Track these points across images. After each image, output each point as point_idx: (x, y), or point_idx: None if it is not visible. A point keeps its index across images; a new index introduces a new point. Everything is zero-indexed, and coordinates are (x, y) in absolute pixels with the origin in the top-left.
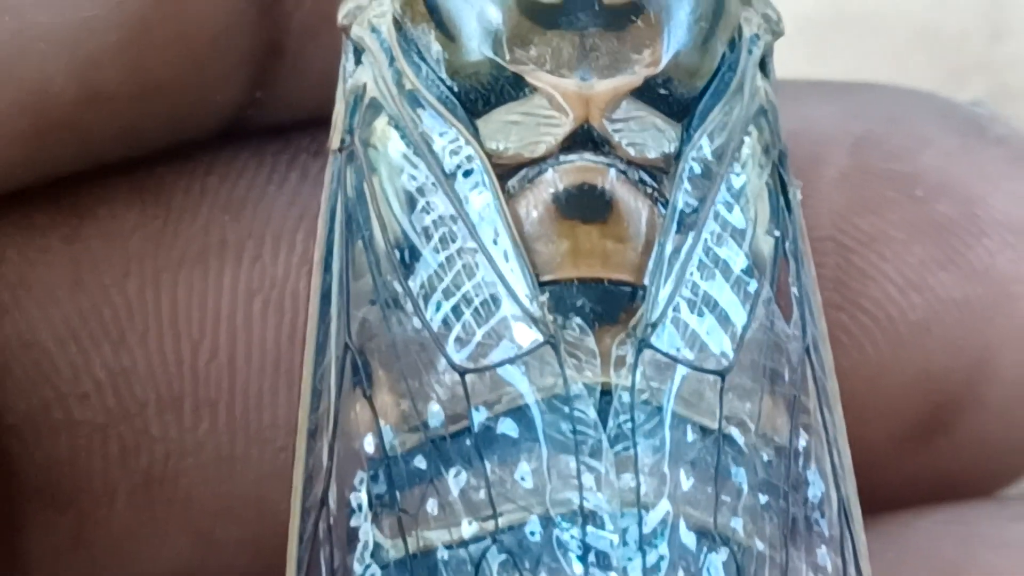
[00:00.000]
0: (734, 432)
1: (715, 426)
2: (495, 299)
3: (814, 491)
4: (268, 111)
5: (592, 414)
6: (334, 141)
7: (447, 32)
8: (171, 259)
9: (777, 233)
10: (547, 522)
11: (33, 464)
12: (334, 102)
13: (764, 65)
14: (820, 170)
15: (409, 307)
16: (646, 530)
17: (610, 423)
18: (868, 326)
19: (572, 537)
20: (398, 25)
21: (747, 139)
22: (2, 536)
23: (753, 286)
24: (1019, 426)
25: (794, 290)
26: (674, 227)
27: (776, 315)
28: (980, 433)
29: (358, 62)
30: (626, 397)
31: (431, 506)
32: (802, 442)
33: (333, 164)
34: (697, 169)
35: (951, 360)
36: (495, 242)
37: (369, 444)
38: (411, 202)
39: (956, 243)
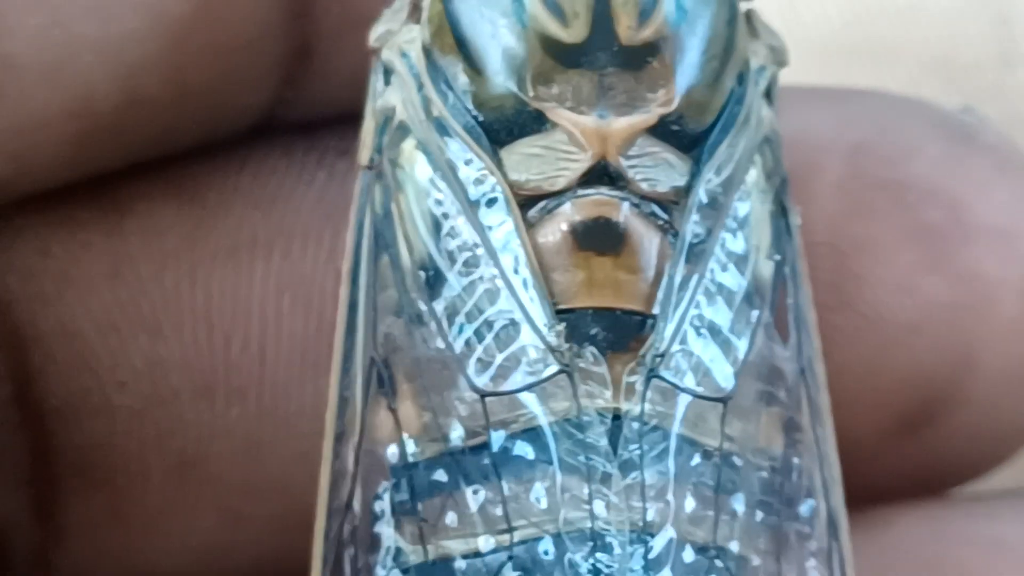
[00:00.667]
0: (734, 454)
1: (716, 448)
2: (515, 325)
3: (805, 506)
4: (297, 110)
5: (604, 443)
6: (363, 157)
7: (474, 65)
8: (205, 254)
9: (778, 257)
10: (559, 542)
11: (73, 445)
12: (360, 101)
13: (769, 93)
14: (818, 177)
15: (433, 326)
16: (651, 555)
17: (620, 450)
18: (861, 327)
19: (582, 559)
20: (427, 52)
21: (752, 169)
22: (43, 510)
23: (754, 313)
24: (1000, 420)
25: (791, 312)
26: (683, 258)
27: (775, 339)
28: (964, 426)
29: (387, 82)
30: (635, 425)
31: (450, 517)
32: (795, 459)
33: (362, 179)
34: (705, 201)
35: (938, 359)
36: (516, 271)
37: (392, 453)
38: (437, 226)
39: (944, 248)
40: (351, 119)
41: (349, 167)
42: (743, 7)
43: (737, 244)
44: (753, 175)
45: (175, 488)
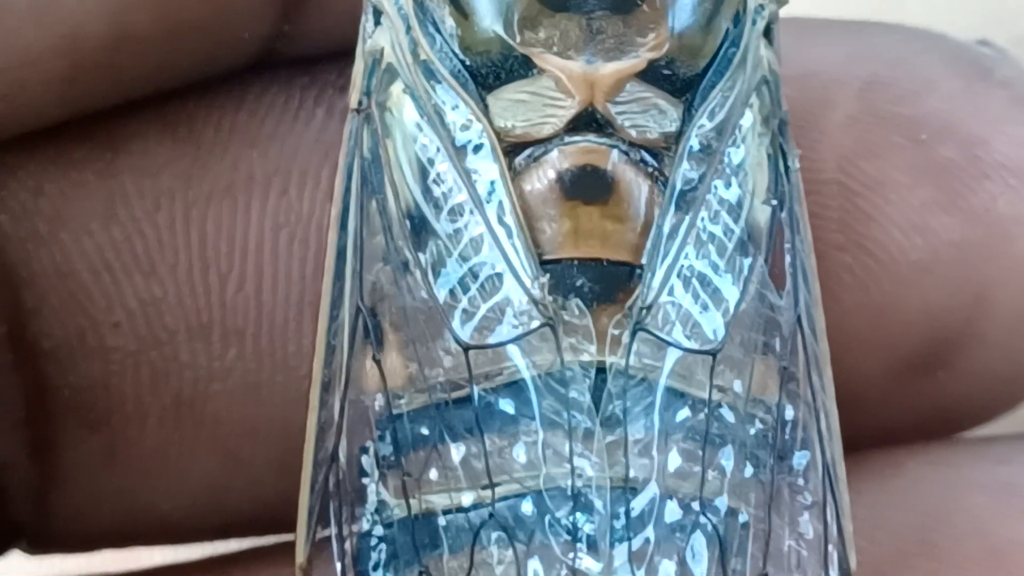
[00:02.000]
0: (723, 406)
1: (705, 400)
2: (499, 277)
3: (799, 459)
4: (296, 44)
5: (586, 398)
6: (352, 99)
7: (461, 8)
8: (200, 193)
9: (774, 202)
10: (540, 500)
11: (68, 386)
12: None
13: (768, 32)
14: (828, 114)
15: (418, 275)
16: (633, 514)
17: (603, 406)
18: (871, 267)
19: (562, 517)
20: None
21: (748, 111)
22: (40, 451)
23: (747, 261)
24: (1015, 360)
25: (788, 258)
26: (672, 207)
27: (769, 287)
28: (978, 367)
29: (377, 23)
30: (620, 380)
31: (433, 471)
32: (789, 412)
33: (351, 122)
34: (697, 146)
35: (951, 299)
36: (500, 219)
37: (378, 404)
38: (423, 172)
39: (958, 186)
40: (351, 53)
41: (347, 103)
42: None
43: (730, 190)
44: (749, 118)
45: (172, 429)
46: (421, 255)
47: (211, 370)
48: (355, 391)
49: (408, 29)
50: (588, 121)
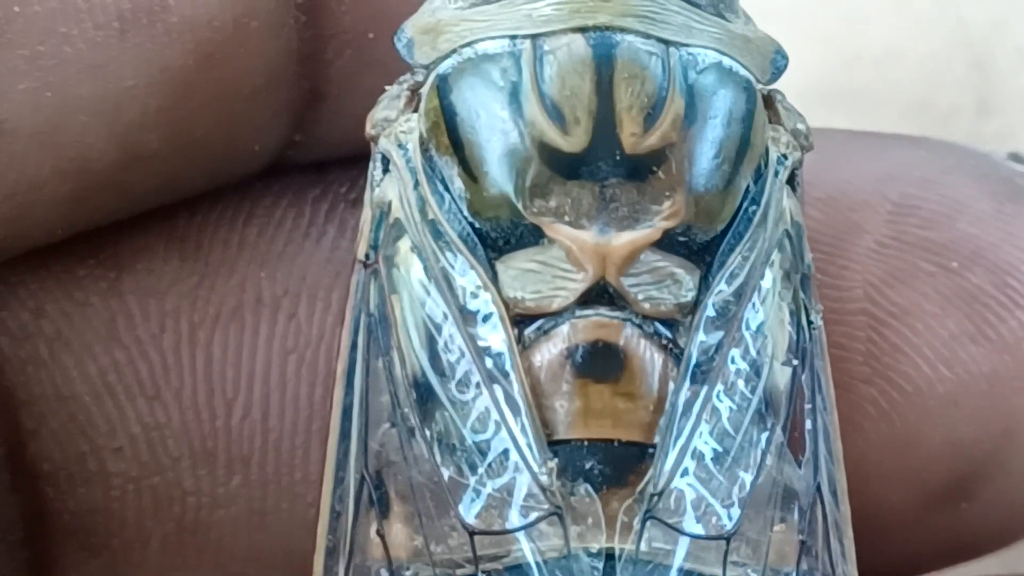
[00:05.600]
0: None
1: None
2: (506, 457)
3: None
4: (308, 151)
5: None
6: (360, 250)
7: (469, 171)
8: (207, 315)
9: (795, 362)
10: None
11: (68, 510)
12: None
13: (792, 178)
14: (856, 240)
15: (423, 447)
16: None
17: None
18: (897, 400)
19: None
20: (424, 147)
21: (768, 271)
22: (38, 574)
23: (764, 435)
24: None
25: (808, 421)
26: (687, 381)
27: (787, 459)
28: (1002, 496)
29: (386, 170)
30: (629, 568)
31: None
32: None
33: (358, 274)
34: (714, 313)
35: (977, 431)
36: (507, 396)
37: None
38: (430, 340)
39: (988, 315)
40: (363, 160)
41: (358, 219)
42: (762, 91)
43: (748, 357)
44: (769, 278)
45: (175, 555)
46: (427, 427)
47: (215, 497)
48: (360, 557)
49: (416, 184)
50: (600, 294)
